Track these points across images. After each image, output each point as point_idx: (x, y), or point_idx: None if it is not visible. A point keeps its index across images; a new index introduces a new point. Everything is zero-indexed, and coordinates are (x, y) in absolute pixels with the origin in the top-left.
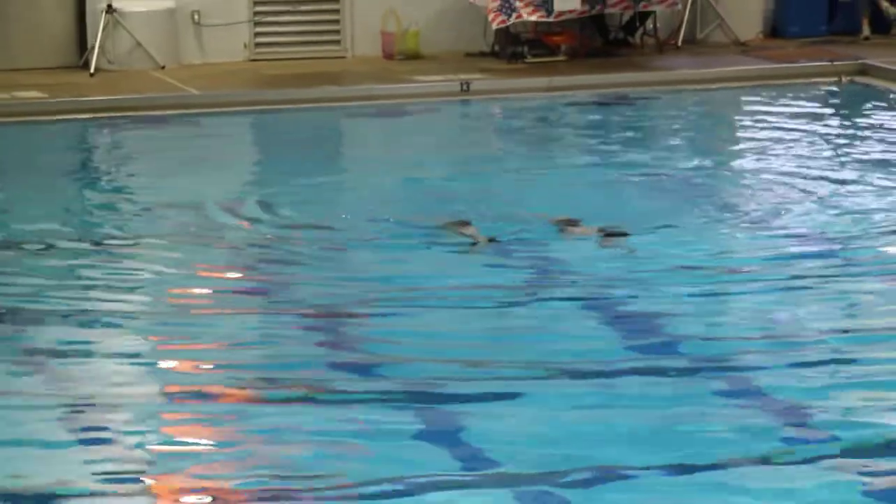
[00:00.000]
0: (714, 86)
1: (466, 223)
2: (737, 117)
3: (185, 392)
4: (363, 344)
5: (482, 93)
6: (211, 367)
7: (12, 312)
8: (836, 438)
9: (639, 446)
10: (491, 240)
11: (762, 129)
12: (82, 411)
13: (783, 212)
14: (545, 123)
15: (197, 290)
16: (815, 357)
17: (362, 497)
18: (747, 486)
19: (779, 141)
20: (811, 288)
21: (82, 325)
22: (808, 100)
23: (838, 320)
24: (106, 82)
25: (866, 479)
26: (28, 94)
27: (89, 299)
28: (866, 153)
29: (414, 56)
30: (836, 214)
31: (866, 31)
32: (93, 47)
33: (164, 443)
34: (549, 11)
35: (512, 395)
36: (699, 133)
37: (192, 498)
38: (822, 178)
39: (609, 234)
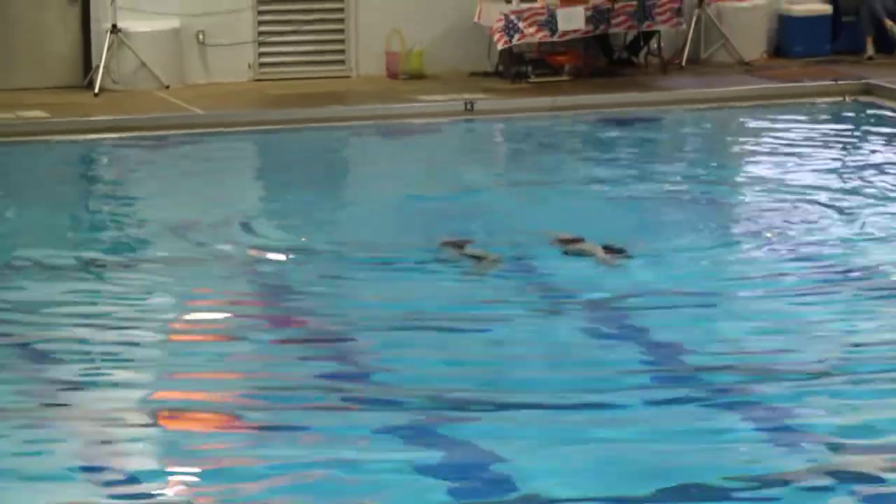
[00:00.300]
0: (718, 105)
1: (466, 242)
2: (741, 137)
3: (183, 418)
4: (365, 369)
5: (486, 112)
6: (210, 394)
7: (13, 335)
8: (846, 463)
9: (645, 472)
10: (496, 260)
11: (766, 148)
12: (84, 437)
13: (789, 232)
14: (549, 143)
15: (198, 314)
16: (822, 380)
17: None
18: None
19: (783, 160)
20: (815, 307)
21: (84, 347)
22: (812, 119)
23: (847, 343)
24: (110, 102)
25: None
26: (32, 114)
27: (91, 322)
28: (870, 172)
29: (418, 76)
30: (843, 234)
31: (870, 50)
32: (97, 67)
33: (163, 471)
34: (553, 31)
35: (516, 422)
36: (703, 153)
37: None
38: (826, 197)
39: (608, 250)
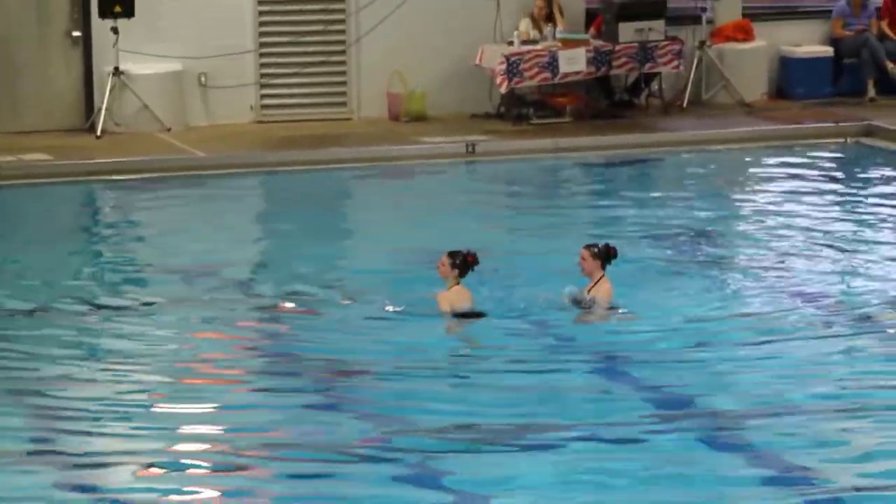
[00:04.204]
0: (719, 147)
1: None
2: (742, 179)
3: (189, 458)
4: (371, 409)
5: (488, 154)
6: (213, 433)
7: (15, 372)
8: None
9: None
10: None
11: (767, 190)
12: (83, 474)
13: (788, 273)
14: (551, 185)
15: (199, 355)
16: (819, 421)
17: None
18: None
19: (783, 202)
20: (813, 346)
21: (83, 388)
22: (813, 161)
23: (845, 381)
24: (112, 144)
25: None
26: (35, 157)
27: (92, 362)
28: (872, 214)
29: (420, 117)
30: (843, 276)
31: (871, 92)
32: (99, 109)
33: None
34: (555, 73)
35: (514, 460)
36: (704, 195)
37: None
38: (827, 239)
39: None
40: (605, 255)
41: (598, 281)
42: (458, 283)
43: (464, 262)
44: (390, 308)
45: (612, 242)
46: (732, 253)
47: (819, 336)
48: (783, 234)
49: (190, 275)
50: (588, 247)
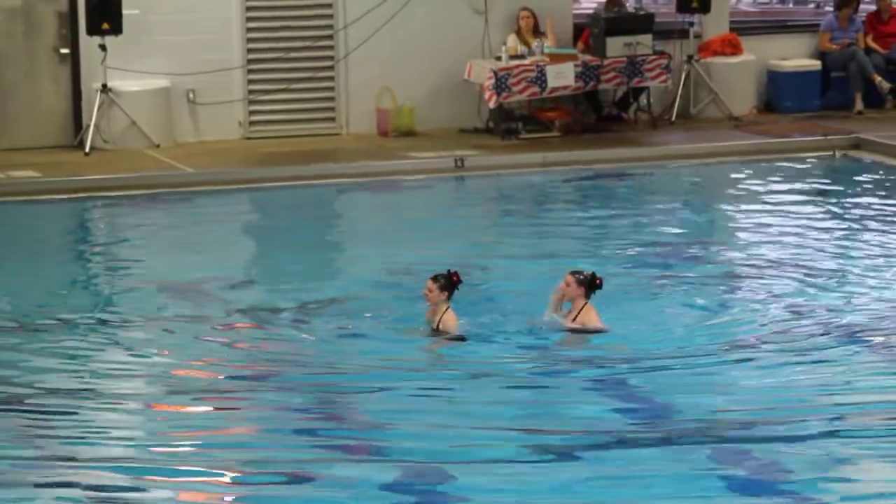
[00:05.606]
0: (708, 161)
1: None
2: (730, 192)
3: (173, 478)
4: (361, 427)
5: (476, 169)
6: (203, 449)
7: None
8: None
9: None
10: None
11: (755, 203)
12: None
13: (776, 287)
14: (539, 199)
15: (185, 371)
16: (810, 430)
17: None
18: None
19: (772, 215)
20: (801, 361)
21: (69, 405)
22: (802, 174)
23: (834, 396)
24: (101, 161)
25: None
26: (23, 174)
27: (77, 381)
28: (860, 227)
29: (409, 133)
30: (829, 289)
31: (860, 105)
32: (88, 126)
33: None
34: (543, 88)
35: (503, 473)
36: (693, 209)
37: None
38: (815, 252)
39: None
40: (590, 284)
41: (581, 308)
42: (448, 306)
43: (450, 283)
44: (378, 322)
45: (599, 261)
46: (721, 267)
47: (806, 349)
48: (771, 248)
49: (178, 290)
50: (574, 273)
